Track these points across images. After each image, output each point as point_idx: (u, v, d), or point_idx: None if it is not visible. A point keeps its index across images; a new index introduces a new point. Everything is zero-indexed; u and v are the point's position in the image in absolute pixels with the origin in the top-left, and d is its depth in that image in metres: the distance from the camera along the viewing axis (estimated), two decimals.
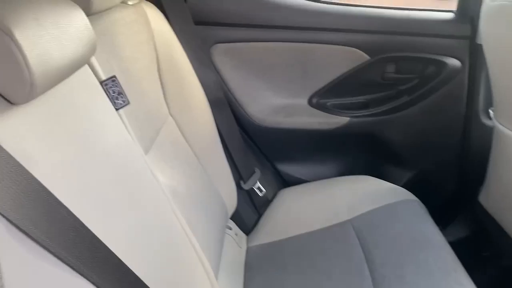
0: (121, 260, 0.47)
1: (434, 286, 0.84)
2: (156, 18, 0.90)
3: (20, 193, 0.36)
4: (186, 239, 0.70)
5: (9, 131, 0.40)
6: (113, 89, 0.56)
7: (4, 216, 0.35)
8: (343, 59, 1.21)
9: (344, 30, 1.18)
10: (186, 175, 0.85)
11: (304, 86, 1.26)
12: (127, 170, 0.55)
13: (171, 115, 0.90)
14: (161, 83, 0.89)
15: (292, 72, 1.24)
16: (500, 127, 1.02)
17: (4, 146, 0.37)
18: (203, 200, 0.90)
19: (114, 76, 0.57)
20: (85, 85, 0.52)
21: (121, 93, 0.57)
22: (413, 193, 1.15)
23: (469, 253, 1.28)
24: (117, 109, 0.57)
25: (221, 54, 1.18)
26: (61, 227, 0.40)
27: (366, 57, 1.19)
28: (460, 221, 1.32)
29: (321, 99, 1.27)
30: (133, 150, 0.58)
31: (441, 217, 1.22)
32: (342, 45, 1.19)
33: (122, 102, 0.57)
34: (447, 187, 1.33)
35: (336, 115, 1.27)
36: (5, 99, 0.40)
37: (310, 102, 1.27)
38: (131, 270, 0.49)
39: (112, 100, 0.55)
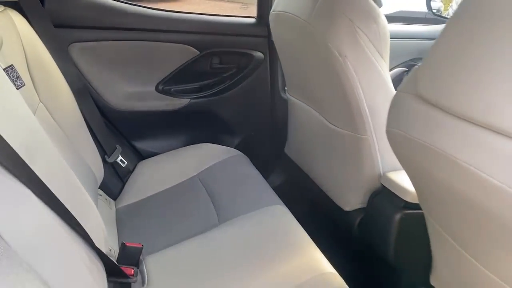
0: None
1: (253, 204, 1.15)
2: (20, 22, 1.02)
3: None
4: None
5: None
6: (12, 74, 0.77)
7: None
8: (180, 54, 1.48)
9: (178, 31, 1.46)
10: (60, 152, 0.99)
11: (151, 76, 1.49)
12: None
13: (42, 102, 1.02)
14: (31, 76, 1.01)
15: (140, 65, 1.46)
16: (290, 97, 1.45)
17: None
18: (76, 171, 1.00)
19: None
20: None
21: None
22: (242, 152, 1.46)
23: (286, 193, 1.66)
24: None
25: (77, 52, 1.34)
26: None
27: (196, 52, 1.48)
28: (278, 171, 1.69)
29: (165, 86, 1.52)
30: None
31: (265, 169, 1.57)
32: (178, 43, 1.46)
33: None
34: (265, 146, 1.70)
35: (178, 98, 1.53)
36: None
37: (157, 89, 1.50)
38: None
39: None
